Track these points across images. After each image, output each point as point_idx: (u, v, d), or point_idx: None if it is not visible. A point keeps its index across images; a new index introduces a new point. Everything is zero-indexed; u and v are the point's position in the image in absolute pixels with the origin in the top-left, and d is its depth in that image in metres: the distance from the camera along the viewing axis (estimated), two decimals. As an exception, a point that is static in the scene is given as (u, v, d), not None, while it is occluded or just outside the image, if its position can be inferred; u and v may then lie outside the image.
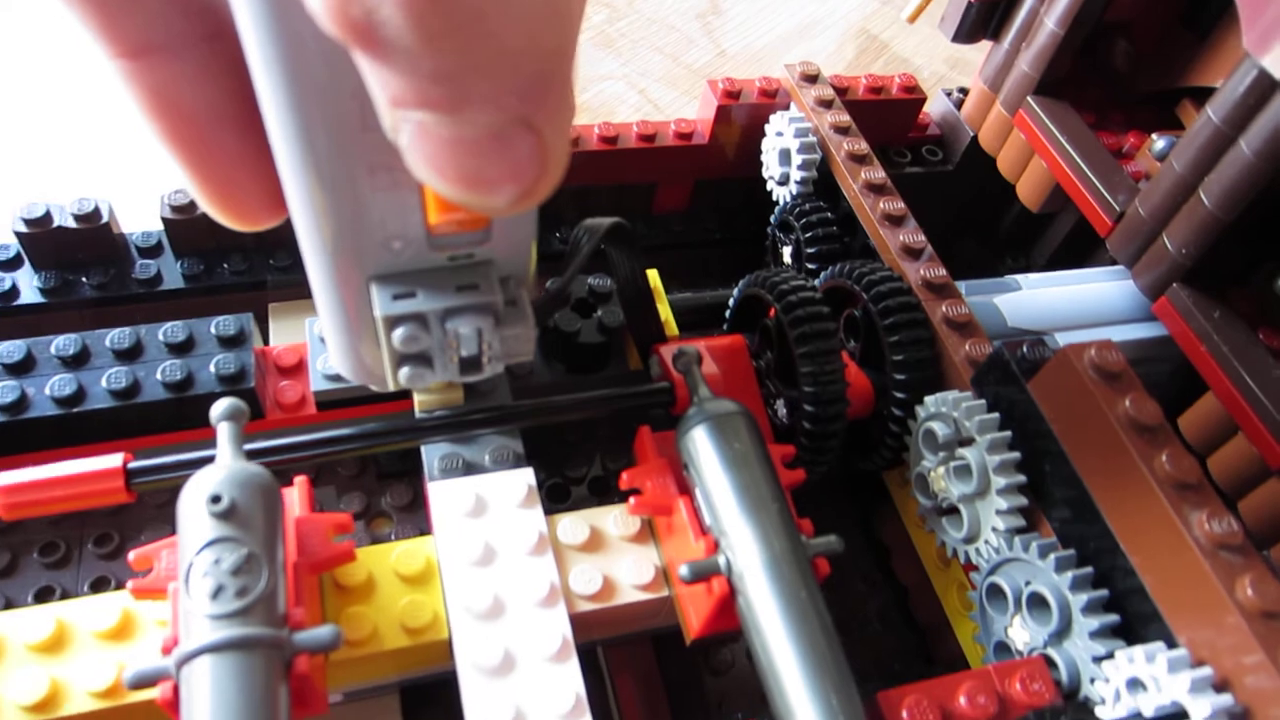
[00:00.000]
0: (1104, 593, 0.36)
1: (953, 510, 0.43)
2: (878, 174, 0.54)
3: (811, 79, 0.60)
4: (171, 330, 0.44)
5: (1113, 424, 0.36)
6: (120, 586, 0.42)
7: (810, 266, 0.56)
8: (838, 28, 1.07)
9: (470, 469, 0.40)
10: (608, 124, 0.60)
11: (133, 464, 0.36)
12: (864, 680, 0.32)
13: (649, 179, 0.64)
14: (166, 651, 0.29)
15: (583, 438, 0.50)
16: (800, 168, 0.57)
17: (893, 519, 0.51)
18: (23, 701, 0.32)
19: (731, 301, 0.51)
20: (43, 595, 0.43)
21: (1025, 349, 0.41)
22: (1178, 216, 0.47)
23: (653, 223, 0.66)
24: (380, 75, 0.19)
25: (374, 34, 0.18)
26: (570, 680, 0.34)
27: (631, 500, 0.38)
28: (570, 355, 0.50)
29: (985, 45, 0.61)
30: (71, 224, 0.51)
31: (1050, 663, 0.37)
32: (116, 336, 0.44)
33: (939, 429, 0.42)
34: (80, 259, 0.52)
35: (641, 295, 0.47)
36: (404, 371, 0.32)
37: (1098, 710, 0.34)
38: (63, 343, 0.43)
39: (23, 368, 0.43)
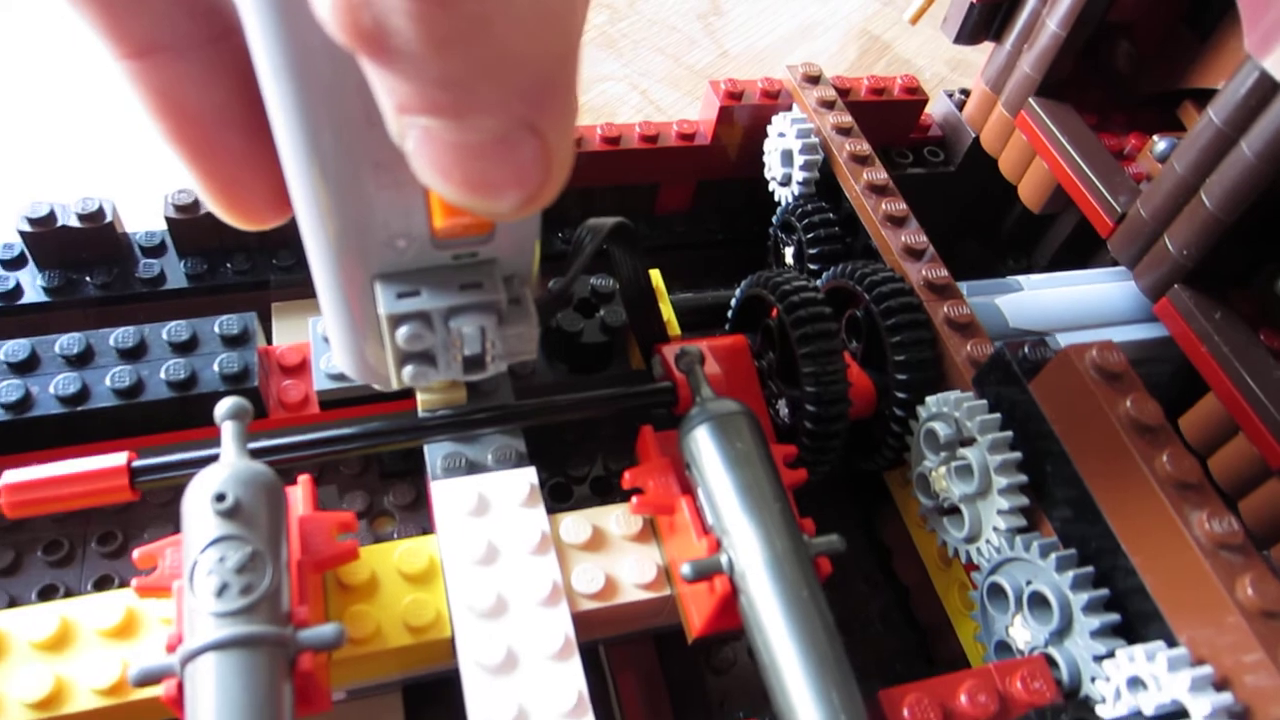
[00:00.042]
0: (1105, 592, 0.36)
1: (954, 510, 0.43)
2: (880, 175, 0.54)
3: (814, 80, 0.60)
4: (175, 329, 0.44)
5: (1114, 424, 0.36)
6: (124, 585, 0.42)
7: (812, 267, 0.56)
8: (839, 29, 1.07)
9: (473, 468, 0.40)
10: (610, 125, 0.60)
11: (137, 463, 0.36)
12: (865, 680, 0.32)
13: (651, 179, 0.64)
14: (171, 649, 0.29)
15: (585, 438, 0.51)
16: (802, 168, 0.57)
17: (894, 519, 0.51)
18: (27, 699, 0.32)
19: (734, 302, 0.52)
20: (46, 593, 0.43)
21: (1027, 349, 0.41)
22: (1179, 218, 0.47)
23: (655, 223, 0.66)
24: (387, 81, 0.19)
25: (383, 42, 0.18)
26: (572, 678, 0.34)
27: (634, 499, 0.38)
28: (573, 355, 0.51)
29: (987, 47, 0.61)
30: (75, 223, 0.51)
31: (1051, 661, 0.37)
32: (120, 335, 0.44)
33: (940, 429, 0.42)
34: (84, 258, 0.52)
35: (644, 295, 0.47)
36: (407, 370, 0.32)
37: (1098, 709, 0.34)
38: (67, 342, 0.43)
39: (27, 366, 0.43)
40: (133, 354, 0.44)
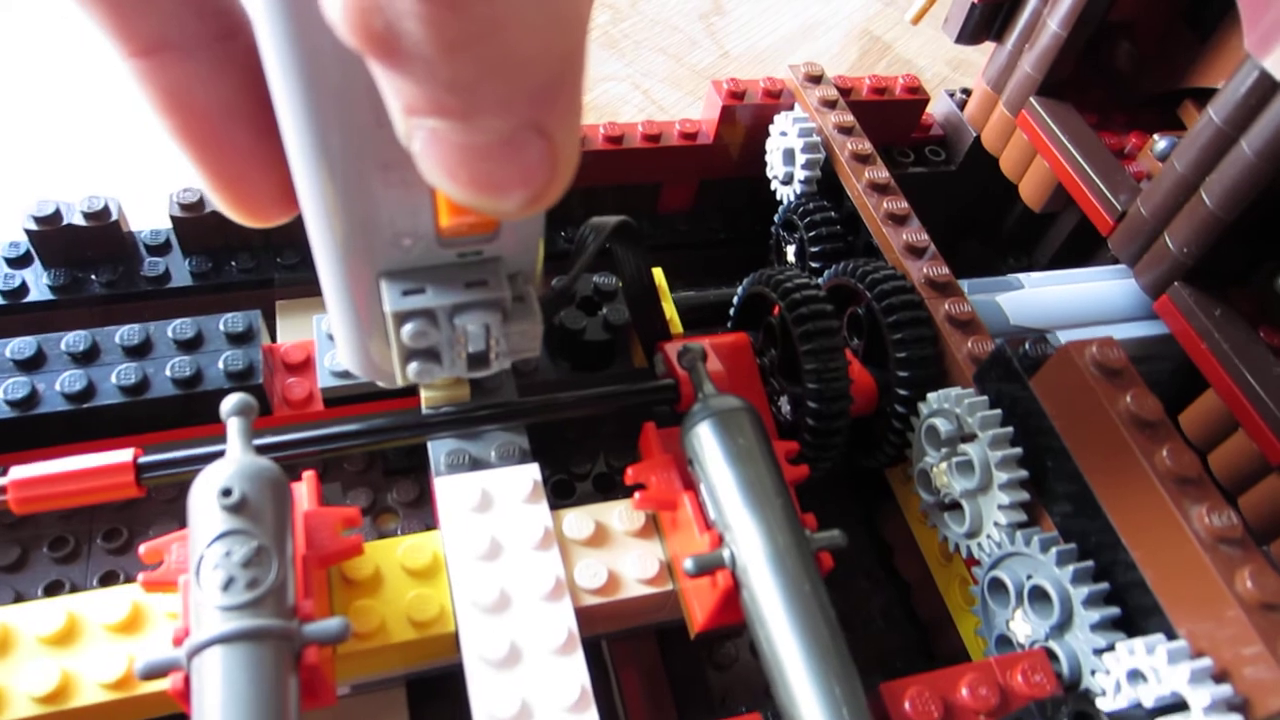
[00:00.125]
0: (1105, 586, 0.36)
1: (955, 506, 0.43)
2: (881, 174, 0.55)
3: (815, 80, 0.61)
4: (180, 327, 0.45)
5: (1114, 420, 0.36)
6: (129, 581, 0.42)
7: (814, 265, 0.56)
8: (841, 29, 1.07)
9: (476, 464, 0.40)
10: (613, 124, 0.60)
11: (143, 459, 0.37)
12: (866, 677, 0.32)
13: (654, 179, 0.64)
14: (177, 643, 0.29)
15: (587, 435, 0.51)
16: (804, 167, 0.57)
17: (895, 516, 0.51)
18: (34, 693, 0.33)
19: (736, 300, 0.52)
20: (52, 589, 0.44)
21: (1027, 346, 0.41)
22: (1179, 216, 0.47)
23: (658, 222, 0.66)
24: (395, 84, 0.19)
25: (393, 45, 0.18)
26: (575, 673, 0.34)
27: (636, 495, 0.38)
28: (575, 353, 0.51)
29: (988, 47, 0.61)
30: (81, 222, 0.51)
31: (1051, 655, 0.37)
32: (126, 333, 0.44)
33: (941, 425, 0.42)
34: (90, 257, 0.52)
35: (646, 293, 0.47)
36: (412, 367, 0.32)
37: (1098, 701, 0.35)
38: (73, 339, 0.43)
39: (33, 364, 0.43)
40: (138, 351, 0.44)
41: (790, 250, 0.59)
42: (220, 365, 0.44)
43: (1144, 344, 0.52)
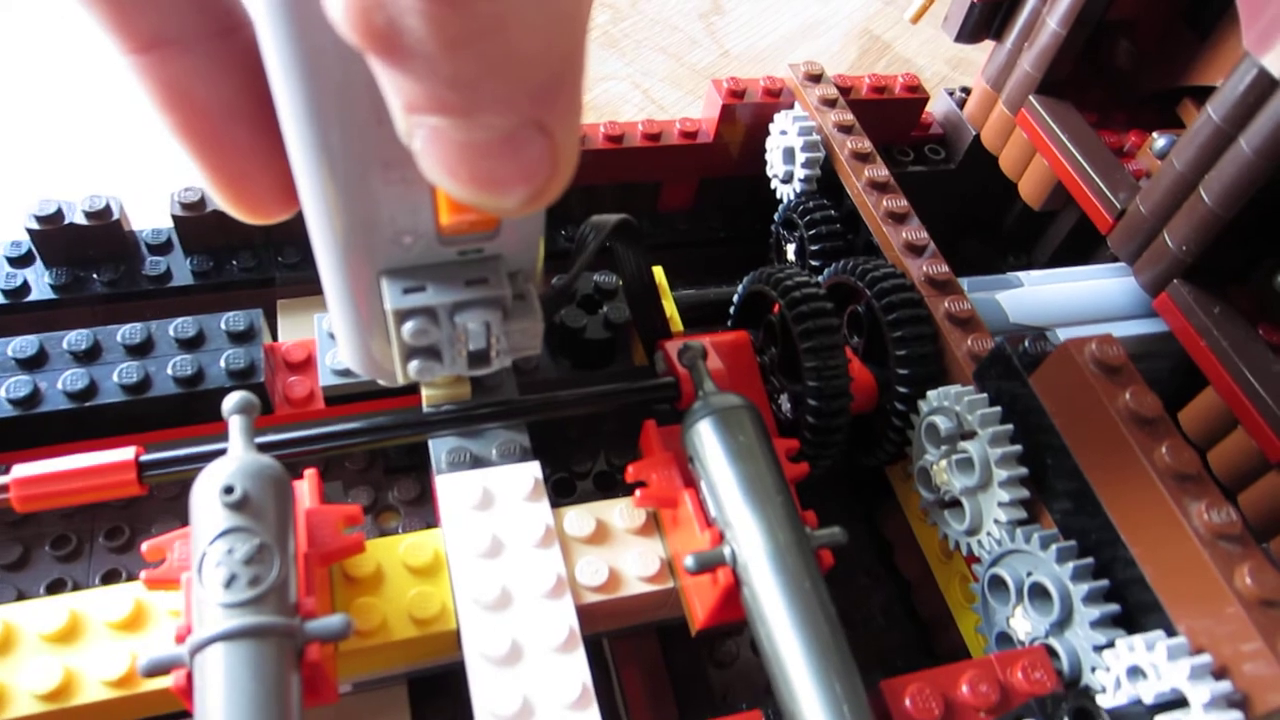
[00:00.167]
0: (1104, 583, 0.36)
1: (955, 503, 0.43)
2: (881, 172, 0.55)
3: (815, 78, 0.61)
4: (182, 326, 0.45)
5: (1113, 417, 0.36)
6: (131, 579, 0.42)
7: (814, 263, 0.56)
8: (840, 28, 1.07)
9: (477, 462, 0.40)
10: (613, 123, 0.60)
11: (144, 457, 0.37)
12: (867, 675, 0.32)
13: (654, 177, 0.64)
14: (180, 640, 0.29)
15: (588, 433, 0.51)
16: (804, 166, 0.58)
17: (895, 514, 0.51)
18: (37, 690, 0.33)
19: (736, 298, 0.52)
20: (54, 587, 0.44)
21: (1027, 344, 0.41)
22: (1178, 214, 0.47)
23: (658, 220, 0.66)
24: (397, 81, 0.19)
25: (395, 42, 0.18)
26: (577, 670, 0.34)
27: (637, 493, 0.39)
28: (576, 351, 0.51)
29: (988, 45, 0.61)
30: (82, 221, 0.51)
31: (1051, 652, 0.37)
32: (127, 332, 0.44)
33: (941, 423, 0.42)
34: (91, 256, 0.52)
35: (647, 291, 0.47)
36: (413, 365, 0.33)
37: (1098, 698, 0.35)
38: (74, 338, 0.44)
39: (35, 362, 0.43)
40: (140, 350, 0.44)
41: (790, 249, 0.59)
42: (222, 364, 0.44)
43: (1143, 342, 0.52)
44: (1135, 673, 0.34)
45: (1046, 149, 0.56)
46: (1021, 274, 0.56)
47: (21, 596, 0.43)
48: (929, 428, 0.43)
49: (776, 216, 0.61)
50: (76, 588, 0.44)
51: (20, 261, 0.52)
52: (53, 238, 0.51)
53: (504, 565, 0.37)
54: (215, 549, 0.30)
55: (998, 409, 0.41)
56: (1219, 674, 0.32)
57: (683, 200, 0.67)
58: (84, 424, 0.43)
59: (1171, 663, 0.32)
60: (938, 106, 0.69)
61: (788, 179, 0.60)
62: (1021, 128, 0.59)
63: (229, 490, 0.31)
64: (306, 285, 0.54)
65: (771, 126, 0.61)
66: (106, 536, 0.45)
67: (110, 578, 0.44)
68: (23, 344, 0.43)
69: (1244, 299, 0.48)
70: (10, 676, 0.33)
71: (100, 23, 0.25)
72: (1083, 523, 0.38)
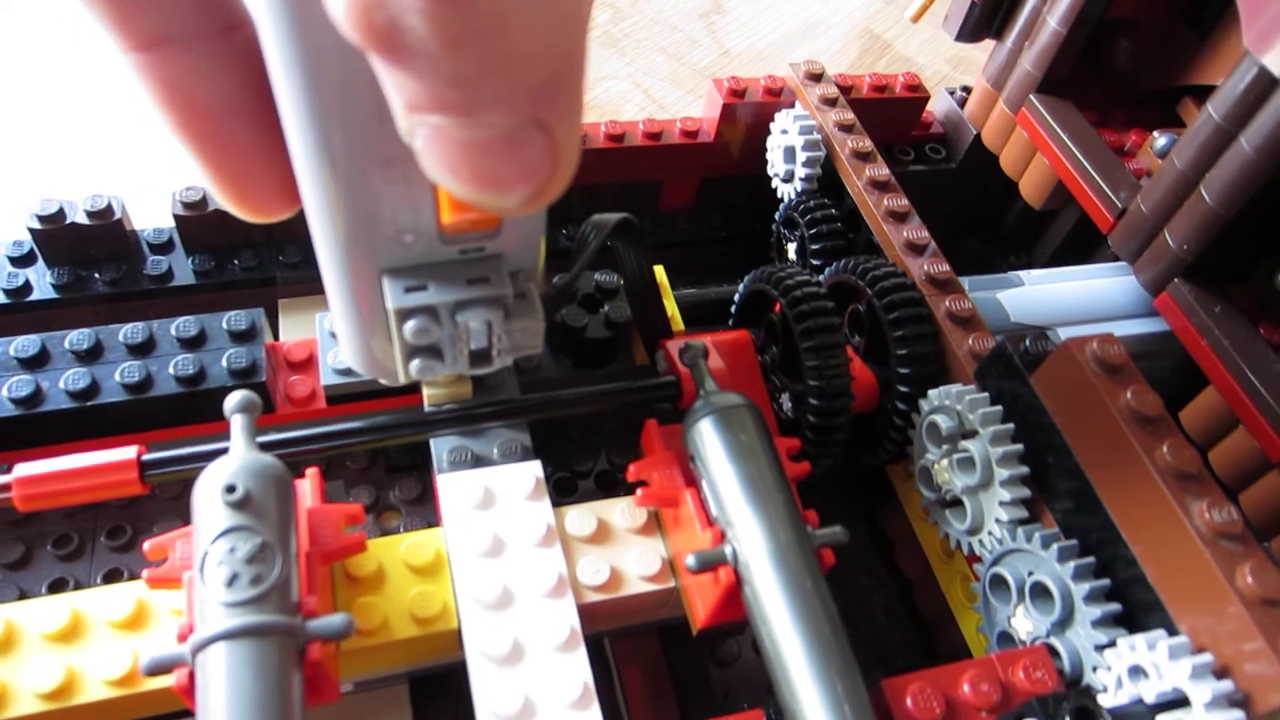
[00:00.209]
0: (1106, 582, 0.36)
1: (956, 502, 0.43)
2: (881, 171, 0.55)
3: (816, 78, 0.61)
4: (183, 325, 0.45)
5: (1114, 416, 0.36)
6: (133, 578, 0.42)
7: (815, 263, 0.56)
8: (841, 27, 1.07)
9: (479, 461, 0.40)
10: (614, 122, 0.60)
11: (146, 456, 0.37)
12: (868, 674, 0.32)
13: (655, 176, 0.64)
14: (182, 639, 0.30)
15: (589, 432, 0.51)
16: (805, 165, 0.58)
17: (897, 512, 0.51)
18: (39, 689, 0.33)
19: (737, 297, 0.52)
20: (56, 587, 0.44)
21: (1028, 343, 0.41)
22: (1179, 213, 0.47)
23: (659, 220, 0.66)
24: (398, 80, 0.19)
25: (396, 41, 0.18)
26: (578, 669, 0.34)
27: (638, 492, 0.39)
28: (577, 350, 0.51)
29: (988, 44, 0.61)
30: (84, 220, 0.51)
31: (1053, 651, 0.37)
32: (129, 331, 0.44)
33: (942, 422, 0.42)
34: (93, 255, 0.52)
35: (648, 291, 0.47)
36: (415, 364, 0.33)
37: (1100, 697, 0.35)
38: (76, 337, 0.44)
39: (37, 362, 0.43)
40: (141, 349, 0.44)
41: (791, 248, 0.59)
42: (223, 363, 0.44)
43: (1144, 341, 0.52)
44: (1136, 672, 0.34)
45: (1047, 148, 0.56)
46: (1022, 273, 0.56)
47: (23, 595, 0.43)
48: (930, 427, 0.43)
49: (777, 215, 0.61)
50: (78, 587, 0.44)
51: (22, 261, 0.52)
52: (54, 237, 0.51)
53: (505, 564, 0.37)
54: (217, 548, 0.30)
55: (999, 408, 0.41)
56: (1220, 673, 0.32)
57: (684, 199, 0.67)
58: (86, 423, 0.43)
59: (1173, 662, 0.32)
60: (938, 105, 0.69)
61: (788, 178, 0.60)
62: (1022, 127, 0.59)
63: (231, 489, 0.31)
64: (308, 284, 0.54)
65: (772, 126, 0.61)
66: (108, 536, 0.45)
67: (112, 577, 0.44)
68: (25, 343, 0.43)
69: (1245, 298, 0.48)
70: (12, 675, 0.33)
71: (101, 21, 0.25)
72: (1084, 522, 0.38)
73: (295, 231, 0.54)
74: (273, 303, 0.54)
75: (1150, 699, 0.33)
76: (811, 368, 0.44)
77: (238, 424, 0.34)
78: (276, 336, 0.53)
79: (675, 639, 0.48)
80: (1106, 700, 0.35)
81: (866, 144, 0.56)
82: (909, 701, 0.34)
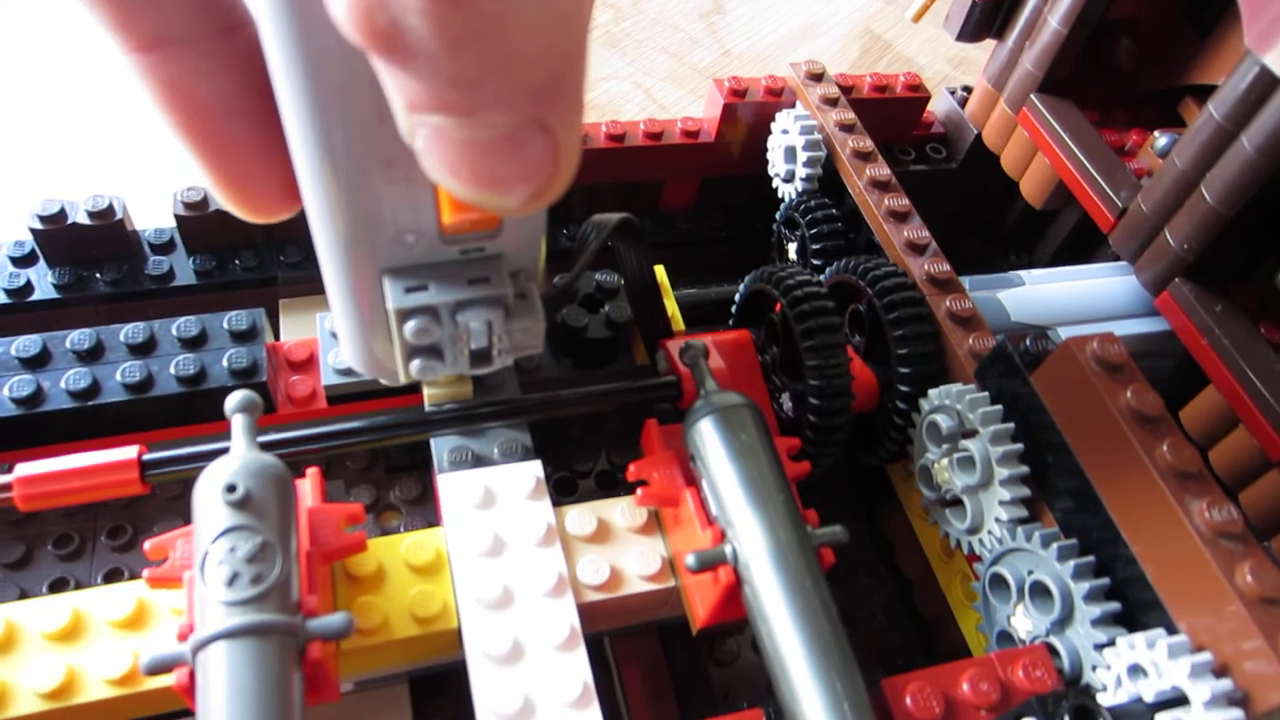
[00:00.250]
0: (1105, 581, 0.36)
1: (956, 502, 0.43)
2: (882, 171, 0.55)
3: (817, 78, 0.61)
4: (184, 325, 0.45)
5: (1114, 415, 0.36)
6: (134, 578, 0.43)
7: (815, 262, 0.56)
8: (842, 27, 1.07)
9: (479, 461, 0.40)
10: (615, 122, 0.60)
11: (147, 456, 0.37)
12: (868, 673, 0.32)
13: (656, 176, 0.64)
14: (182, 638, 0.30)
15: (589, 432, 0.51)
16: (805, 165, 0.58)
17: (897, 512, 0.51)
18: (40, 689, 0.33)
19: (737, 297, 0.52)
20: (57, 586, 0.44)
21: (1028, 342, 0.41)
22: (1180, 212, 0.47)
23: (660, 220, 0.66)
24: (399, 80, 0.19)
25: (397, 41, 0.18)
26: (578, 668, 0.34)
27: (639, 492, 0.39)
28: (578, 350, 0.51)
29: (989, 44, 0.61)
30: (86, 221, 0.51)
31: (1052, 650, 0.37)
32: (130, 331, 0.44)
33: (943, 421, 0.42)
34: (94, 255, 0.53)
35: (648, 291, 0.47)
36: (415, 364, 0.33)
37: (1099, 696, 0.35)
38: (78, 337, 0.44)
39: (38, 362, 0.43)
40: (142, 349, 0.44)
41: (792, 248, 0.59)
42: (224, 363, 0.44)
43: (1145, 340, 0.52)
44: (1136, 671, 0.34)
45: (1048, 148, 0.56)
46: (1023, 273, 0.56)
47: (24, 595, 0.43)
48: (930, 426, 0.43)
49: (778, 215, 0.61)
50: (79, 586, 0.44)
51: (24, 261, 0.52)
52: (56, 237, 0.51)
53: (505, 564, 0.37)
54: (217, 547, 0.30)
55: (999, 407, 0.41)
56: (1220, 672, 0.32)
57: (684, 199, 0.67)
58: (87, 423, 0.43)
59: (1172, 661, 0.32)
60: (939, 105, 0.69)
61: (789, 178, 0.60)
62: (1023, 126, 0.59)
63: (231, 489, 0.31)
64: (309, 284, 0.54)
65: (773, 125, 0.61)
66: (109, 535, 0.45)
67: (113, 576, 0.44)
68: (26, 343, 0.43)
69: (1245, 297, 0.48)
70: (13, 675, 0.33)
71: (102, 22, 0.25)
72: (1084, 521, 0.38)
73: (296, 231, 0.54)
74: (273, 303, 0.54)
75: (1149, 698, 0.33)
76: (812, 367, 0.44)
77: (238, 424, 0.34)
78: (277, 336, 0.53)
79: (675, 638, 0.48)
80: (1106, 699, 0.35)
81: (867, 144, 0.56)
82: (908, 701, 0.34)
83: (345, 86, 0.24)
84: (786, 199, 0.60)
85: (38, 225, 0.50)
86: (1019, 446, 0.40)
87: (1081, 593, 0.36)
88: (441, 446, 0.41)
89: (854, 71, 0.74)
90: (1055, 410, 0.39)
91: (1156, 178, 0.49)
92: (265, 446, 0.34)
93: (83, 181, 0.75)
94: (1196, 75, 0.56)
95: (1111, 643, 0.35)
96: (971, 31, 0.61)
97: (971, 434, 0.41)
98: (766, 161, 0.62)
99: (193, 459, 0.37)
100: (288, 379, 0.45)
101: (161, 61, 0.25)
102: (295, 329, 0.53)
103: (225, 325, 0.45)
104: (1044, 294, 0.54)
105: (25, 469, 0.36)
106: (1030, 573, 0.39)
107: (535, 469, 0.40)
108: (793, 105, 0.61)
